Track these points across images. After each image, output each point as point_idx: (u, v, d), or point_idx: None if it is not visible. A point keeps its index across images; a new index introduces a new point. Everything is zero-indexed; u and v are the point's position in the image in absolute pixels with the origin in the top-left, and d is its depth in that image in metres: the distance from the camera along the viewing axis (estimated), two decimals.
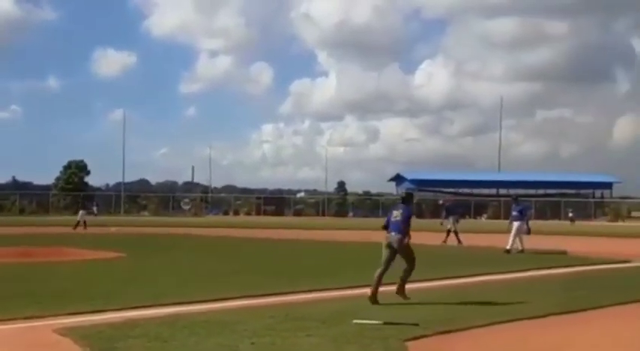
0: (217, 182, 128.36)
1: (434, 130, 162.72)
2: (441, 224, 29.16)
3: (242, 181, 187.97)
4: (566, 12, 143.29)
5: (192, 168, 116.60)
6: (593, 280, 14.68)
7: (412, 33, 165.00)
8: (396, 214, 11.66)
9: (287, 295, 11.60)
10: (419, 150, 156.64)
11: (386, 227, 11.77)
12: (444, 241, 27.10)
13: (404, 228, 11.40)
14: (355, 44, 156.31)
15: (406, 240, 11.35)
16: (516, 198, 26.72)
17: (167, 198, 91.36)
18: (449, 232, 27.62)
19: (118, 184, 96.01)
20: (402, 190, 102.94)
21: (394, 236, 11.45)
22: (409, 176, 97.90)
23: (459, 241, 26.60)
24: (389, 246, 11.55)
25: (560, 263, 18.17)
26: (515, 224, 22.98)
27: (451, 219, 28.15)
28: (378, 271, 11.40)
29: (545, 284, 14.16)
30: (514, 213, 23.71)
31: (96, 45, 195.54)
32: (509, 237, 22.74)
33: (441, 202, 37.64)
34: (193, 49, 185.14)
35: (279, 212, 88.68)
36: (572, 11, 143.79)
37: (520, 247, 22.49)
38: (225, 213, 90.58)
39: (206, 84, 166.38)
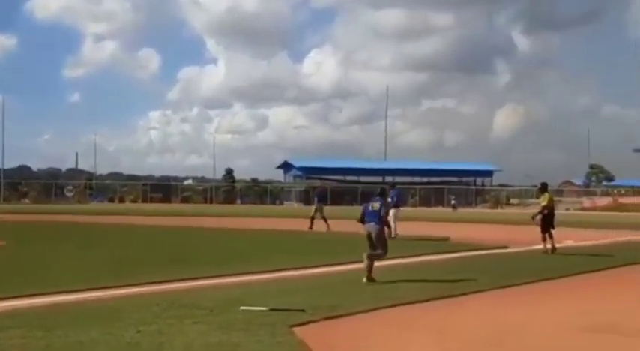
0: (103, 169, 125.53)
1: (322, 118, 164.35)
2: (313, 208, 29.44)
3: (128, 168, 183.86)
4: (451, 4, 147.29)
5: (77, 154, 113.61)
6: (473, 265, 15.16)
7: (301, 22, 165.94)
8: (374, 206, 12.74)
9: (173, 283, 11.50)
10: (307, 137, 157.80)
11: (362, 219, 12.82)
12: (310, 228, 27.41)
13: (382, 218, 12.60)
14: (244, 32, 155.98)
15: (385, 228, 12.89)
16: (394, 185, 27.26)
17: (50, 185, 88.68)
18: (313, 218, 27.83)
19: None
20: (289, 177, 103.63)
21: (373, 226, 12.54)
22: (297, 163, 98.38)
23: (327, 226, 26.92)
24: (369, 236, 12.63)
25: (442, 249, 18.73)
26: (392, 211, 23.43)
27: (316, 206, 28.34)
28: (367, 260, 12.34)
29: (427, 269, 14.52)
30: (389, 200, 24.16)
31: None
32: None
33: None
34: (78, 33, 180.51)
35: (165, 199, 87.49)
36: (457, 3, 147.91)
37: (393, 234, 22.96)
38: (111, 200, 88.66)
39: (91, 69, 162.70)
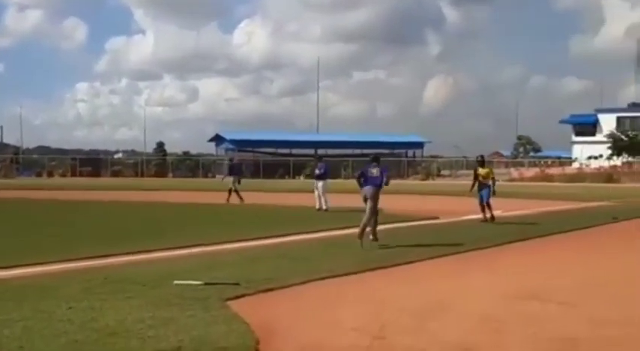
0: (29, 143, 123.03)
1: (253, 90, 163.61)
2: (222, 180, 30.27)
3: (56, 141, 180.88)
4: None
5: (1, 128, 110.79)
6: (405, 237, 15.32)
7: None
8: (372, 172, 14.18)
9: (105, 258, 11.35)
10: (239, 109, 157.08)
11: (360, 183, 14.36)
12: (227, 200, 27.52)
13: (382, 182, 14.01)
14: (172, 2, 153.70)
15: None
16: (320, 157, 27.38)
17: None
18: (230, 190, 27.95)
19: None
20: (221, 150, 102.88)
21: (370, 189, 13.93)
22: (228, 136, 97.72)
23: (241, 199, 27.20)
24: (365, 198, 14.03)
25: None
26: (320, 182, 23.54)
27: (232, 178, 28.49)
28: (364, 220, 13.71)
29: (360, 241, 14.64)
30: (317, 171, 24.24)
31: None
32: (317, 196, 23.31)
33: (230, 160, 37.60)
34: (0, 2, 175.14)
35: (95, 173, 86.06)
36: None
37: (321, 206, 23.07)
38: (39, 174, 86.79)
39: (15, 39, 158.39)
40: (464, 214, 21.23)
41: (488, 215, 19.23)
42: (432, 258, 12.07)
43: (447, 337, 6.71)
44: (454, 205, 25.37)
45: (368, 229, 13.73)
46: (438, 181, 72.34)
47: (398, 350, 6.36)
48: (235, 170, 29.77)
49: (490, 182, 19.79)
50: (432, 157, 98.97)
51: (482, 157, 21.56)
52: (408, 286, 9.64)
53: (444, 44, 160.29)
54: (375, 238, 13.68)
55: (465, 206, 20.92)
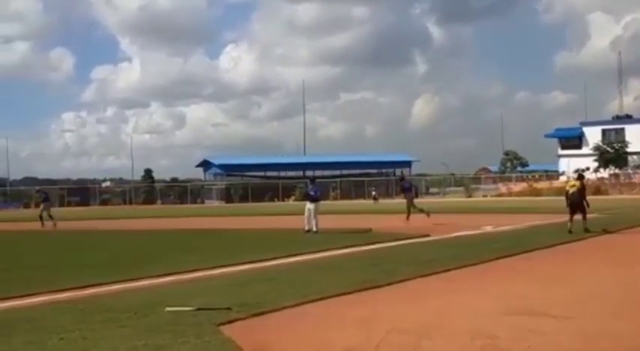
0: (16, 174, 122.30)
1: (241, 114, 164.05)
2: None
3: (43, 172, 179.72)
4: None
5: None
6: (396, 256, 15.33)
7: (217, 17, 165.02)
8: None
9: (95, 287, 11.29)
10: (227, 134, 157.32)
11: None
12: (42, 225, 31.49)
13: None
14: (158, 30, 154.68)
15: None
16: (313, 179, 27.49)
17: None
18: (41, 217, 32.09)
19: None
20: (210, 175, 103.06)
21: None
22: (217, 161, 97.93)
23: (43, 225, 31.42)
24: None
25: (365, 241, 18.83)
26: (312, 204, 23.52)
27: (43, 205, 33.13)
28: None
29: (352, 261, 14.62)
30: (312, 193, 24.24)
31: None
32: (307, 217, 23.29)
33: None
34: None
35: (84, 203, 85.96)
36: None
37: (311, 228, 23.03)
38: (26, 206, 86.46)
39: (1, 71, 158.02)
40: (454, 230, 21.26)
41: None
42: (423, 276, 12.05)
43: None
44: (444, 223, 25.38)
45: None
46: (427, 199, 72.35)
47: None
48: (45, 198, 34.72)
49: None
50: (420, 175, 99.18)
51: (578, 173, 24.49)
52: (400, 304, 9.61)
53: (430, 63, 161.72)
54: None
55: (454, 223, 20.93)
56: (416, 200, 29.02)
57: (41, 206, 33.58)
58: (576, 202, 20.66)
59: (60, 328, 7.90)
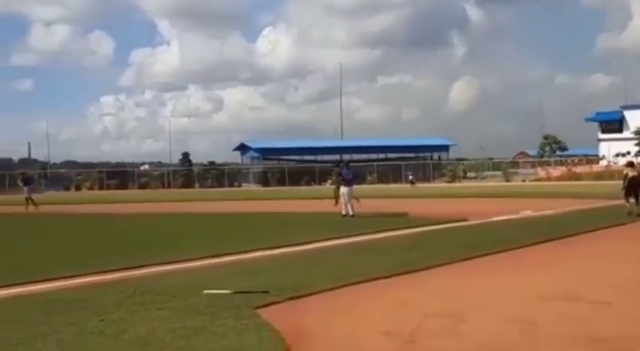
0: (56, 158, 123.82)
1: (278, 98, 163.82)
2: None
3: (83, 155, 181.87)
4: None
5: (29, 144, 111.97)
6: (434, 240, 15.27)
7: (254, 1, 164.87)
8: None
9: (135, 270, 11.42)
10: (264, 118, 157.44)
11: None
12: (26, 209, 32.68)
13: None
14: (196, 13, 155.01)
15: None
16: (347, 163, 27.43)
17: (2, 176, 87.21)
18: (27, 199, 33.82)
19: None
20: (247, 159, 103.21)
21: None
22: (254, 145, 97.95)
23: (36, 206, 33.32)
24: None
25: (401, 225, 18.78)
26: (346, 188, 23.50)
27: (26, 188, 34.96)
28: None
29: (388, 245, 14.58)
30: (346, 177, 24.17)
31: None
32: (343, 202, 23.29)
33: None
34: (27, 19, 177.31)
35: (122, 186, 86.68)
36: None
37: (348, 212, 23.02)
38: (66, 188, 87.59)
39: (41, 55, 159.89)
40: (492, 215, 21.12)
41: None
42: (460, 260, 11.98)
43: (479, 339, 6.66)
44: (482, 207, 25.22)
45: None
46: (465, 184, 71.99)
47: None
48: (29, 182, 36.63)
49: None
50: (457, 159, 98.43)
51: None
52: (438, 288, 9.58)
53: (468, 45, 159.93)
54: None
55: (493, 207, 20.79)
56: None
57: (25, 189, 35.45)
58: (636, 184, 20.93)
59: (100, 309, 8.01)
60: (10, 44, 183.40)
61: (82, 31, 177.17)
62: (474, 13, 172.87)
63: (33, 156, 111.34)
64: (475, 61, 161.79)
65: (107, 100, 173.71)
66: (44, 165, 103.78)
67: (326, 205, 27.13)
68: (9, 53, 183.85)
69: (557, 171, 79.79)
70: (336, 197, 28.85)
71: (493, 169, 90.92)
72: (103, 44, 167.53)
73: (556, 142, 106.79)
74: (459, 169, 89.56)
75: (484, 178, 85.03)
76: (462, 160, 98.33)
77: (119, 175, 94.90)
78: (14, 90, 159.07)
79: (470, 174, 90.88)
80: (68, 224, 24.88)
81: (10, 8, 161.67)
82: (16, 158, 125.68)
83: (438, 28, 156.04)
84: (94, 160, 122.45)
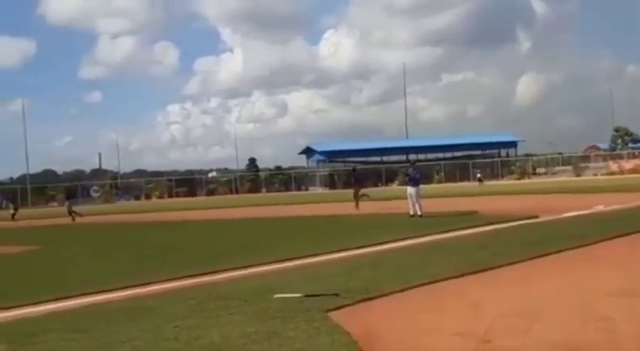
0: (126, 167, 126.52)
1: (342, 100, 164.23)
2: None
3: (151, 164, 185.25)
4: None
5: (99, 155, 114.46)
6: (504, 238, 15.06)
7: (315, 3, 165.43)
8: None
9: (206, 276, 11.55)
10: (328, 121, 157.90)
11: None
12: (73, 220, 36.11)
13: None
14: (258, 19, 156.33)
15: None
16: (414, 163, 27.35)
17: (75, 187, 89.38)
18: (70, 213, 37.06)
19: (23, 176, 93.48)
20: (312, 162, 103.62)
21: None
22: (319, 148, 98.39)
23: (73, 219, 36.20)
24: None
25: (471, 223, 18.58)
26: (413, 189, 23.35)
27: (67, 202, 39.28)
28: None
29: (458, 244, 14.45)
30: (414, 177, 24.05)
31: None
32: (411, 202, 23.18)
33: None
34: (93, 32, 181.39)
35: (191, 193, 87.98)
36: None
37: (416, 212, 22.88)
38: (137, 198, 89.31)
39: (108, 67, 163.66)
40: (564, 211, 20.75)
41: None
42: (533, 258, 11.79)
43: (554, 337, 6.53)
44: (553, 203, 24.81)
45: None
46: (534, 180, 70.91)
47: None
48: (71, 196, 42.09)
49: None
50: (526, 155, 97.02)
51: None
52: (510, 287, 9.45)
53: (533, 40, 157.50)
54: None
55: (564, 203, 20.43)
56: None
57: (66, 203, 39.56)
58: None
59: (174, 315, 8.12)
60: (79, 58, 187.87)
61: (147, 42, 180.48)
62: (539, 7, 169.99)
63: (104, 166, 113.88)
64: (541, 55, 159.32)
65: (173, 108, 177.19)
66: (115, 175, 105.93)
67: (393, 206, 27.04)
68: (78, 67, 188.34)
69: (630, 164, 78.01)
70: (357, 200, 30.29)
71: (563, 164, 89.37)
72: (168, 54, 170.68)
73: (628, 134, 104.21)
74: (527, 165, 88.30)
75: (554, 173, 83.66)
76: (531, 155, 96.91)
77: (187, 183, 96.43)
78: (84, 102, 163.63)
79: (539, 170, 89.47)
80: (141, 233, 25.33)
81: (78, 23, 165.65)
82: (87, 169, 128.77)
83: (501, 24, 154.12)
84: (163, 168, 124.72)
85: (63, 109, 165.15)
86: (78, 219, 36.04)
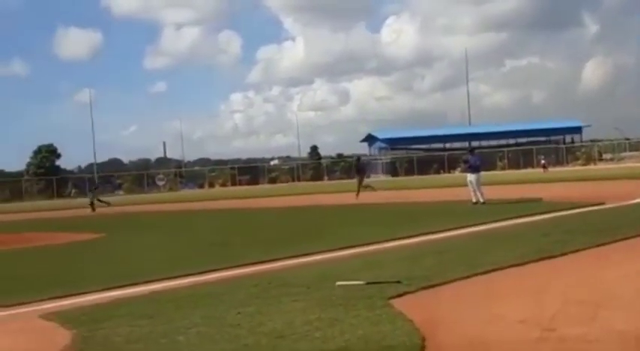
0: (190, 156, 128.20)
1: (404, 86, 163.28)
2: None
3: (215, 152, 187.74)
4: None
5: (164, 144, 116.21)
6: (569, 225, 14.82)
7: None
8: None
9: (269, 263, 11.66)
10: (390, 108, 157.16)
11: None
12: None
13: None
14: (320, 7, 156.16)
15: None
16: (473, 149, 27.02)
17: (141, 176, 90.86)
18: (92, 204, 37.95)
19: (90, 166, 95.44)
20: (374, 149, 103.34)
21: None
22: (381, 135, 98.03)
23: (93, 209, 37.38)
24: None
25: (536, 210, 18.33)
26: (473, 176, 23.07)
27: (90, 194, 40.70)
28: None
29: (522, 232, 14.28)
30: (474, 164, 23.74)
31: (58, 26, 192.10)
32: (472, 189, 22.94)
33: None
34: (158, 23, 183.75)
35: (254, 181, 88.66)
36: None
37: (478, 199, 22.62)
38: (201, 186, 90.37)
39: (172, 57, 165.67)
40: (631, 198, 20.31)
41: None
42: (598, 245, 11.57)
43: (622, 326, 6.41)
44: (620, 190, 24.29)
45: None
46: (600, 166, 69.51)
47: (570, 341, 6.12)
48: (95, 187, 43.25)
49: None
50: (591, 141, 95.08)
51: None
52: (575, 275, 9.30)
53: (600, 23, 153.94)
54: None
55: (631, 189, 19.96)
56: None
57: (90, 194, 40.71)
58: None
59: (237, 302, 8.20)
60: (144, 49, 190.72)
61: (211, 32, 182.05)
62: None
63: (168, 155, 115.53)
64: (608, 39, 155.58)
65: (236, 97, 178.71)
66: (179, 163, 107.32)
67: (456, 193, 26.81)
68: (143, 57, 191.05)
69: None
70: (358, 190, 30.63)
71: (630, 150, 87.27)
72: (231, 43, 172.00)
73: None
74: (593, 151, 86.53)
75: (621, 159, 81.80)
76: (597, 141, 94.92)
77: (250, 171, 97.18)
78: (149, 93, 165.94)
79: (605, 155, 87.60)
80: (205, 221, 25.64)
81: (143, 14, 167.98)
82: (153, 158, 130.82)
83: (566, 7, 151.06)
84: (226, 156, 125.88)
85: (129, 99, 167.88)
86: (103, 208, 37.56)
